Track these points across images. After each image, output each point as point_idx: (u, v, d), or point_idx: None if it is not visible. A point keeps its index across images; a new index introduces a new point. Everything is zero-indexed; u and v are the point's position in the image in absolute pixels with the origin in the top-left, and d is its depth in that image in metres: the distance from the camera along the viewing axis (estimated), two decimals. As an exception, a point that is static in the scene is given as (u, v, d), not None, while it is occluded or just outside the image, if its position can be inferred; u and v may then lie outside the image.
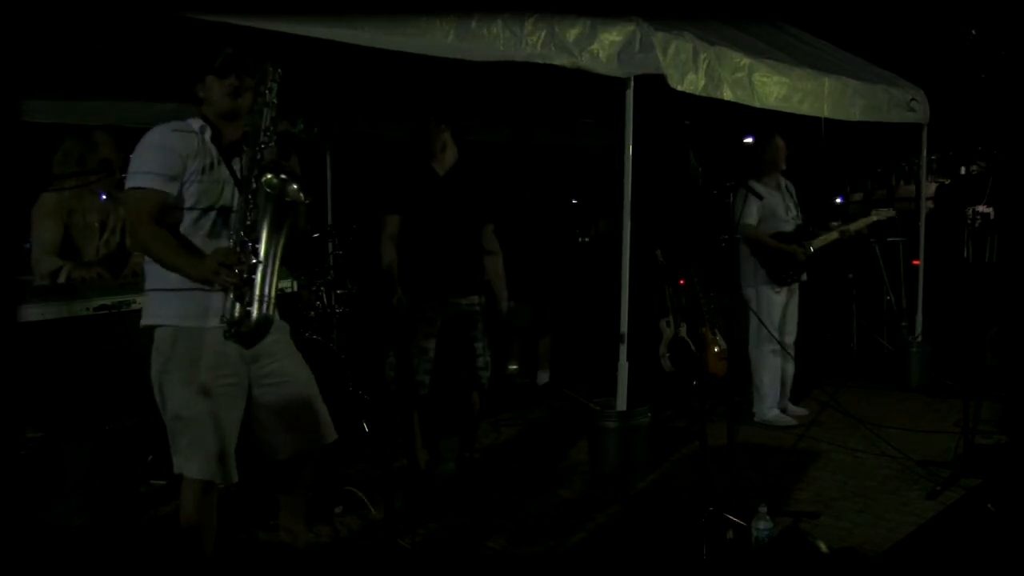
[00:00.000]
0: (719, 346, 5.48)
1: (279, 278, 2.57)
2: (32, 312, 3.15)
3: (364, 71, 4.57)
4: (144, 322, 2.59)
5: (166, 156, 2.50)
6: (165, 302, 2.55)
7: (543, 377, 5.98)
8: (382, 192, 3.89)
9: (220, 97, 2.58)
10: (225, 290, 2.47)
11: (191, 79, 2.62)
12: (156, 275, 2.56)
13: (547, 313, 5.83)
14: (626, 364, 3.89)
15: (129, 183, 2.53)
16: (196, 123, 2.61)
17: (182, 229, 2.55)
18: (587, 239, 5.96)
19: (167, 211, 2.52)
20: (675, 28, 3.89)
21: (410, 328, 3.80)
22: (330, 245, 5.18)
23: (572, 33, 3.58)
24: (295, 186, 2.53)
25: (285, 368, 2.69)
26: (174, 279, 2.51)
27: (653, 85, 3.84)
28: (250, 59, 2.59)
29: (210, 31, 2.66)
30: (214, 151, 2.59)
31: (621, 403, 3.89)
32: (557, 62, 3.57)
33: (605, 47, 3.67)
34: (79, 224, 3.78)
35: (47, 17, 2.95)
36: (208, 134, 2.60)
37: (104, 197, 3.87)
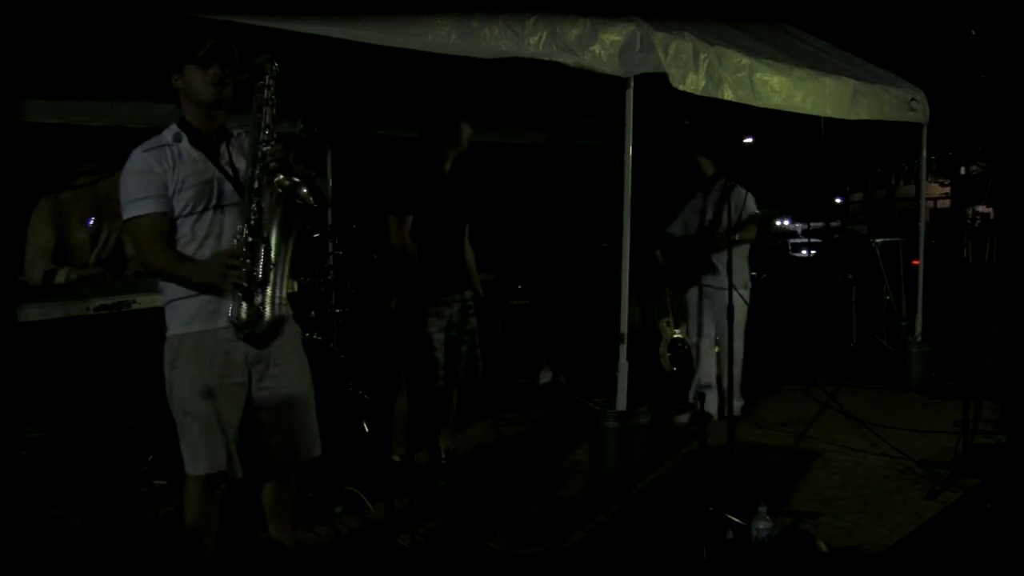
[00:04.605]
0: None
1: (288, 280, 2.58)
2: (32, 312, 3.15)
3: (365, 71, 4.56)
4: (167, 333, 2.62)
5: (147, 179, 2.50)
6: (178, 311, 2.58)
7: (544, 376, 5.98)
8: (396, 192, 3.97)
9: (203, 87, 2.53)
10: (234, 289, 2.49)
11: (167, 69, 2.57)
12: (168, 287, 2.60)
13: (561, 315, 5.85)
14: (626, 364, 3.89)
15: (125, 216, 2.55)
16: (170, 133, 2.58)
17: (183, 234, 2.55)
18: (608, 245, 5.94)
19: (166, 226, 2.53)
20: (675, 28, 3.89)
21: (423, 323, 3.89)
22: (330, 245, 5.18)
23: (573, 33, 3.58)
24: (305, 189, 2.51)
25: (287, 373, 2.69)
26: (183, 288, 2.55)
27: (653, 85, 3.83)
28: (234, 49, 2.56)
29: (209, 28, 2.65)
30: (195, 154, 2.56)
31: (621, 403, 3.89)
32: (560, 60, 3.58)
33: (606, 47, 3.67)
34: (72, 237, 3.79)
35: (48, 17, 2.95)
36: (184, 140, 2.56)
37: (91, 223, 3.84)
